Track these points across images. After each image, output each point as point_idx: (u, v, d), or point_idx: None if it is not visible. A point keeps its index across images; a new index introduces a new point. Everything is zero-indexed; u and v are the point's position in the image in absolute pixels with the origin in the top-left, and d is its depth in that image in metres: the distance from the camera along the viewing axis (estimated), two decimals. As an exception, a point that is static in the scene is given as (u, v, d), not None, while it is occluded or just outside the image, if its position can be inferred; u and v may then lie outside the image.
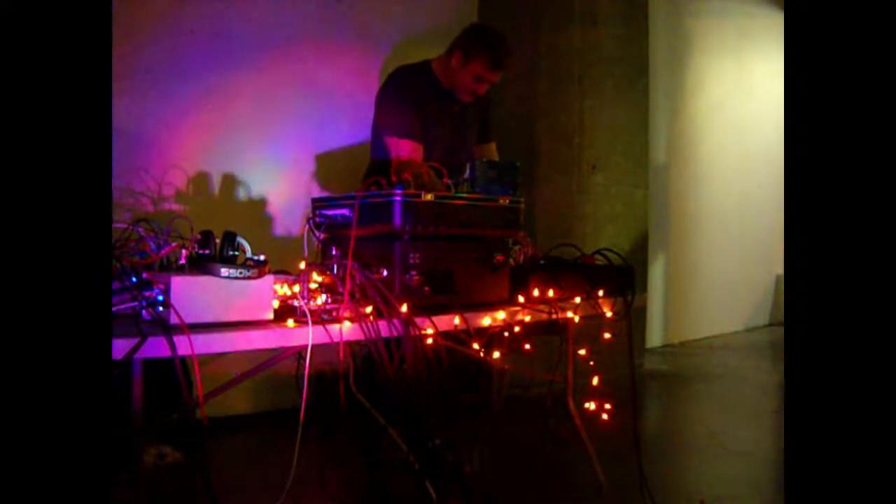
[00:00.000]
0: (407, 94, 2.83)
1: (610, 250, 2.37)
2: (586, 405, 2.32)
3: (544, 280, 2.14)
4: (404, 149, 2.76)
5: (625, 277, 2.29)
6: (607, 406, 2.29)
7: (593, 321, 2.24)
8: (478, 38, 2.83)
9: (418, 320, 1.72)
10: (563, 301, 2.14)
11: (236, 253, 1.59)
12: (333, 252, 1.95)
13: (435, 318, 1.76)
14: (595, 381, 2.26)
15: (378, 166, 2.82)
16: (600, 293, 2.21)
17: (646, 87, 4.58)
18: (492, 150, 3.09)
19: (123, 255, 1.56)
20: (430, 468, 2.18)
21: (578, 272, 2.25)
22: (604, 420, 2.29)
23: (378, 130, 2.92)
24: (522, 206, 2.14)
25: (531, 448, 2.97)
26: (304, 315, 1.57)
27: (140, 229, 1.61)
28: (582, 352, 2.31)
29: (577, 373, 2.42)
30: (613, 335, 2.24)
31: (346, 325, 1.63)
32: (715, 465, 2.96)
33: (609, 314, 2.22)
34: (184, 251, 1.58)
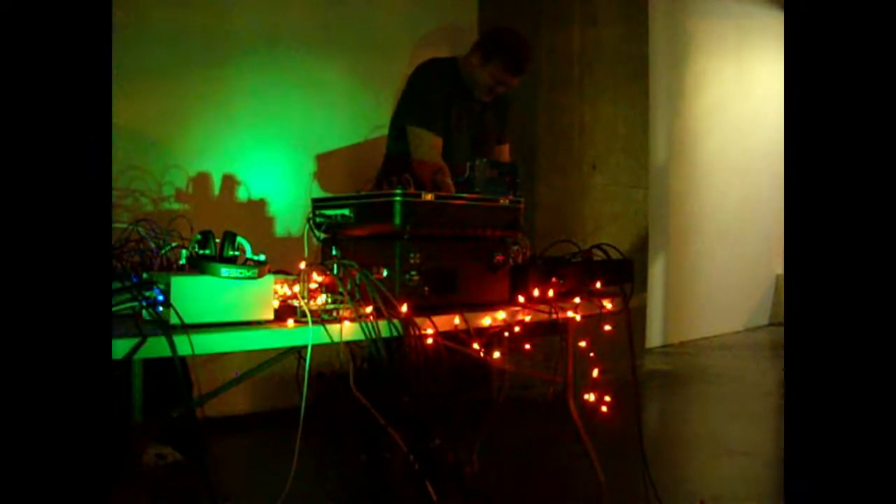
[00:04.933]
0: (433, 86, 2.84)
1: (608, 245, 2.37)
2: (586, 397, 2.31)
3: (543, 276, 2.14)
4: (425, 139, 2.75)
5: (623, 269, 2.29)
6: (607, 398, 2.28)
7: (594, 317, 2.23)
8: (498, 41, 2.85)
9: (418, 320, 1.72)
10: (563, 297, 2.14)
11: (236, 253, 1.59)
12: (333, 252, 1.95)
13: (435, 318, 1.76)
14: (595, 372, 2.25)
15: (394, 162, 2.81)
16: (598, 284, 2.21)
17: (646, 87, 4.58)
18: (504, 152, 3.09)
19: (123, 255, 1.56)
20: (430, 468, 2.18)
21: (577, 267, 2.25)
22: (604, 415, 2.29)
23: (399, 120, 2.89)
24: (522, 206, 2.14)
25: (531, 448, 2.97)
26: (304, 315, 1.57)
27: (140, 229, 1.62)
28: (582, 344, 2.30)
29: (578, 373, 2.42)
30: (614, 327, 2.23)
31: (346, 325, 1.63)
32: (715, 465, 2.96)
33: (608, 305, 2.22)
34: (184, 251, 1.58)
